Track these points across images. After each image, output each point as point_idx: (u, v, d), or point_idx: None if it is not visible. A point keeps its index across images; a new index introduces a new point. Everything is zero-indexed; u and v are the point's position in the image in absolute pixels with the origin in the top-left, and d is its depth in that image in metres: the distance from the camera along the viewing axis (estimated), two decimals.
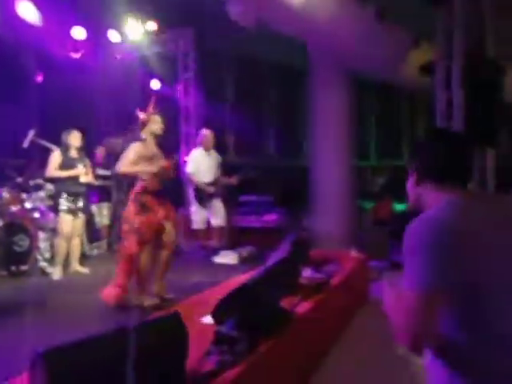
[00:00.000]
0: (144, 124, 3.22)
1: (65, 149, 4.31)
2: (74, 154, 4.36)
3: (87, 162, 4.52)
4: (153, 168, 3.16)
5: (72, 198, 4.24)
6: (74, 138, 4.34)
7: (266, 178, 7.60)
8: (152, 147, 3.25)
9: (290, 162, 8.39)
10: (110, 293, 3.11)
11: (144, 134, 3.22)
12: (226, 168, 5.28)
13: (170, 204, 3.31)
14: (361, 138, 8.93)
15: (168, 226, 3.21)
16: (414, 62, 6.17)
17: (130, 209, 3.15)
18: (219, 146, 5.51)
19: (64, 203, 4.21)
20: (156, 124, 3.24)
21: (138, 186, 3.16)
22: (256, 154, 8.47)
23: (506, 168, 5.65)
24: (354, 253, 4.52)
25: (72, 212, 4.25)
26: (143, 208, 3.10)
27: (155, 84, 6.38)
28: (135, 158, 3.14)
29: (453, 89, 5.02)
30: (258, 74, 8.29)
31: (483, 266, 0.98)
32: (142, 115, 3.23)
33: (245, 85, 8.04)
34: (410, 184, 1.23)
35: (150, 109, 3.25)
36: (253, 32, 5.18)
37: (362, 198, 7.55)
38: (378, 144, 10.20)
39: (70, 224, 4.24)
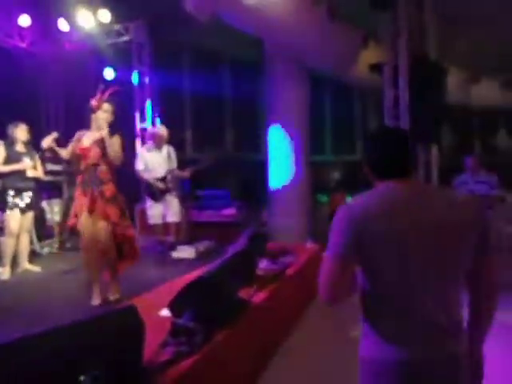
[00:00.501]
0: (93, 111, 3.14)
1: (10, 142, 4.11)
2: (20, 147, 4.17)
3: (35, 156, 4.33)
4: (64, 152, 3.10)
5: (19, 193, 4.06)
6: (21, 132, 4.15)
7: (224, 172, 7.64)
8: (95, 135, 3.13)
9: (248, 156, 8.47)
10: None
11: (93, 122, 3.15)
12: (183, 163, 5.25)
13: (97, 195, 3.11)
14: (317, 133, 9.20)
15: (83, 221, 3.10)
16: (365, 61, 6.44)
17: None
18: (176, 141, 5.47)
19: (10, 199, 4.02)
20: (105, 112, 3.16)
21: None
22: (214, 148, 8.47)
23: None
24: (309, 244, 4.70)
25: (19, 208, 4.07)
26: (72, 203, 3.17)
27: (109, 74, 6.17)
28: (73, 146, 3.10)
29: (399, 88, 5.32)
30: (215, 66, 8.26)
31: (378, 246, 1.20)
32: (93, 102, 3.15)
33: (202, 78, 8.00)
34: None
35: (100, 96, 3.16)
36: (209, 24, 5.18)
37: (318, 192, 7.79)
38: (333, 139, 10.54)
39: (17, 221, 4.06)
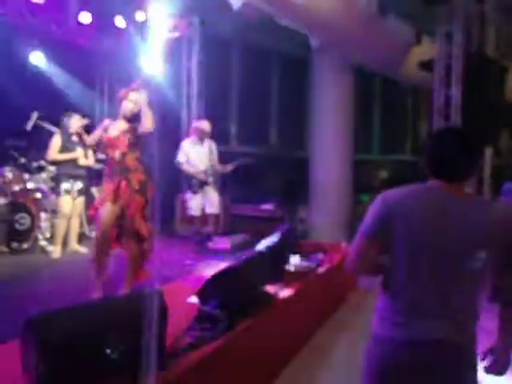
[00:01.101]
0: (120, 100, 3.12)
1: (65, 132, 4.43)
2: (74, 137, 4.48)
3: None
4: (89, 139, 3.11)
5: (71, 180, 4.38)
6: (75, 122, 4.44)
7: (266, 168, 7.69)
8: (120, 126, 3.08)
9: (291, 153, 8.46)
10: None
11: (120, 111, 3.11)
12: (227, 156, 5.38)
13: (124, 185, 3.01)
14: (364, 131, 8.98)
15: (104, 210, 3.00)
16: (416, 58, 6.20)
17: None
18: (221, 135, 5.60)
19: (64, 185, 4.36)
20: (129, 102, 3.07)
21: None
22: (258, 144, 8.54)
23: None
24: (343, 244, 4.64)
25: (71, 193, 4.39)
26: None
27: (150, 68, 6.37)
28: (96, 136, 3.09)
29: (451, 86, 5.09)
30: (262, 62, 8.31)
31: (406, 232, 1.29)
32: (121, 91, 3.13)
33: (249, 73, 8.08)
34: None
35: (131, 86, 3.13)
36: (258, 21, 5.24)
37: (363, 192, 7.61)
38: (381, 138, 10.23)
39: (69, 205, 4.39)
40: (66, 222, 4.43)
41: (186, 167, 4.88)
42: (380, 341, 1.33)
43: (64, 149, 4.38)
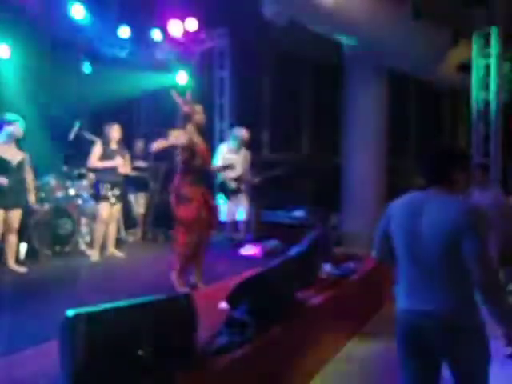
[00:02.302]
0: (189, 115, 3.31)
1: (106, 141, 4.63)
2: (113, 146, 4.67)
3: (126, 154, 4.83)
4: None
5: (110, 186, 4.57)
6: (115, 131, 4.64)
7: (298, 175, 7.67)
8: (194, 137, 3.30)
9: (324, 159, 8.39)
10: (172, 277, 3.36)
11: (189, 125, 3.30)
12: (259, 164, 5.42)
13: (206, 193, 3.36)
14: (400, 136, 8.76)
15: (202, 215, 3.27)
16: (453, 61, 6.00)
17: (172, 201, 3.33)
18: (254, 143, 5.65)
19: (103, 191, 4.55)
20: (199, 114, 3.34)
21: (176, 179, 3.32)
22: (290, 151, 8.54)
23: None
24: None
25: (110, 199, 4.58)
26: (182, 199, 3.23)
27: (183, 78, 6.54)
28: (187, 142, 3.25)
29: (490, 90, 4.88)
30: (294, 71, 8.34)
31: (394, 233, 1.72)
32: (185, 107, 3.32)
33: (281, 82, 8.13)
34: None
35: (189, 101, 3.34)
36: (290, 28, 5.26)
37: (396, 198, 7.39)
38: (417, 143, 9.94)
39: (107, 210, 4.57)
40: (104, 227, 4.62)
41: (222, 170, 4.94)
42: (398, 311, 1.75)
43: (104, 157, 4.57)
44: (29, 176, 4.12)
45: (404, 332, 1.71)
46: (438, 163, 1.70)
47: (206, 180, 3.40)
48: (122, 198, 4.91)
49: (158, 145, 3.38)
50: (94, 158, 4.53)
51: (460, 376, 1.61)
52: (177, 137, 3.24)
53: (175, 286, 3.27)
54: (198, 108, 3.36)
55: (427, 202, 1.65)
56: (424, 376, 1.68)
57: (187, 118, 3.32)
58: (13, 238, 4.00)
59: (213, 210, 3.43)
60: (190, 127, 3.29)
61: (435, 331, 1.59)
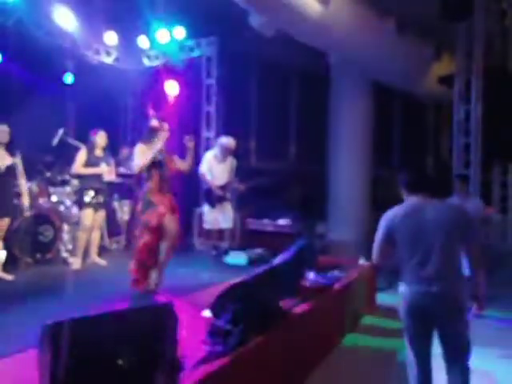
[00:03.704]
0: (156, 131, 3.52)
1: (91, 147, 4.59)
2: (98, 152, 4.63)
3: (111, 161, 4.78)
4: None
5: (94, 193, 4.51)
6: (100, 138, 4.60)
7: (285, 183, 7.70)
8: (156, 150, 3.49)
9: (310, 168, 8.46)
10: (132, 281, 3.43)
11: (156, 139, 3.50)
12: (246, 172, 5.43)
13: (173, 200, 3.55)
14: (384, 146, 8.89)
15: (169, 220, 3.41)
16: (435, 74, 6.16)
17: (138, 208, 3.56)
18: (241, 151, 5.67)
19: (86, 198, 4.49)
20: (164, 132, 3.53)
21: (145, 186, 3.50)
22: (277, 159, 8.58)
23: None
24: (361, 261, 4.57)
25: (93, 206, 4.52)
26: (148, 205, 3.41)
27: (172, 88, 6.54)
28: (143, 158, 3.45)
29: (472, 102, 5.02)
30: (280, 79, 8.42)
31: (401, 233, 2.19)
32: (155, 122, 3.55)
33: (268, 91, 8.19)
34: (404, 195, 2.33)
35: (158, 118, 3.59)
36: (275, 38, 5.34)
37: (382, 207, 7.48)
38: (401, 153, 10.11)
39: (90, 217, 4.51)
40: (87, 235, 4.55)
41: (207, 178, 4.94)
42: (406, 295, 2.19)
43: (89, 163, 4.52)
44: (21, 180, 4.03)
45: (413, 311, 2.16)
46: (435, 182, 2.35)
47: (172, 189, 3.59)
48: (106, 205, 4.85)
49: (141, 167, 3.50)
50: (79, 164, 4.48)
51: (450, 341, 2.16)
52: (144, 154, 3.44)
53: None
54: (165, 126, 3.56)
55: (428, 205, 2.18)
56: (427, 345, 2.20)
57: (153, 132, 3.52)
58: None
59: (176, 216, 3.53)
60: (157, 142, 3.48)
61: (438, 308, 2.11)
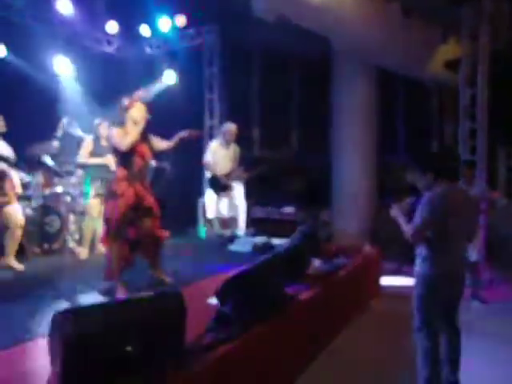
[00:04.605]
0: (125, 109, 3.17)
1: (95, 138, 4.59)
2: (104, 143, 4.63)
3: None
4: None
5: (100, 184, 4.52)
6: (103, 129, 4.61)
7: (289, 171, 7.69)
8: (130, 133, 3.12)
9: (314, 156, 8.43)
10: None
11: (125, 120, 3.17)
12: (250, 161, 5.42)
13: (142, 191, 3.17)
14: (388, 132, 8.82)
15: (134, 214, 3.08)
16: (441, 58, 6.06)
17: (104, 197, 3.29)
18: (244, 140, 5.66)
19: (92, 188, 4.51)
20: (137, 111, 3.16)
21: (113, 176, 3.23)
22: (280, 148, 8.55)
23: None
24: (366, 248, 4.59)
25: (99, 197, 4.55)
26: (112, 195, 3.08)
27: (170, 76, 6.45)
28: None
29: (478, 87, 4.94)
30: (282, 66, 8.33)
31: (448, 217, 2.31)
32: (126, 101, 3.19)
33: (270, 79, 8.12)
34: (423, 179, 2.43)
35: (136, 96, 3.23)
36: (279, 25, 5.26)
37: (391, 195, 7.45)
38: (406, 139, 10.02)
39: (96, 208, 4.54)
40: (94, 225, 4.59)
41: (212, 168, 4.94)
42: (429, 275, 2.37)
43: (95, 153, 4.53)
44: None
45: (439, 289, 2.37)
46: (452, 165, 2.46)
47: (145, 177, 3.25)
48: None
49: (131, 142, 3.11)
50: (85, 154, 4.48)
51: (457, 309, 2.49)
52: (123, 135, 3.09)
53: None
54: (139, 105, 3.17)
55: (458, 191, 2.42)
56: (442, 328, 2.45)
57: (123, 111, 3.17)
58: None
59: (149, 209, 3.19)
60: (127, 122, 3.15)
61: (459, 287, 2.46)
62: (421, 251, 2.41)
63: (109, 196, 3.14)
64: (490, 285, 4.54)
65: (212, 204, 4.98)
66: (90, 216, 4.54)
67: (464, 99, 5.08)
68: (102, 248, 4.72)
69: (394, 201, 2.57)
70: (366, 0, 5.24)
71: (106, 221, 3.09)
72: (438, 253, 2.34)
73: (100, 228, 4.67)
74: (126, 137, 3.10)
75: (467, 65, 5.06)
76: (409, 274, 4.89)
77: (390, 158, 8.74)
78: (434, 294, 2.37)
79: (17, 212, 3.89)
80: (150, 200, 3.23)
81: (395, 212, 2.47)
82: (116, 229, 3.03)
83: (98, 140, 4.59)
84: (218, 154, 4.96)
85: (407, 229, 2.35)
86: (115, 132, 3.16)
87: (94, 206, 4.54)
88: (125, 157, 3.13)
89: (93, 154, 4.54)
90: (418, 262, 2.43)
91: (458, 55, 5.43)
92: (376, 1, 5.35)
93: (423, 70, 6.47)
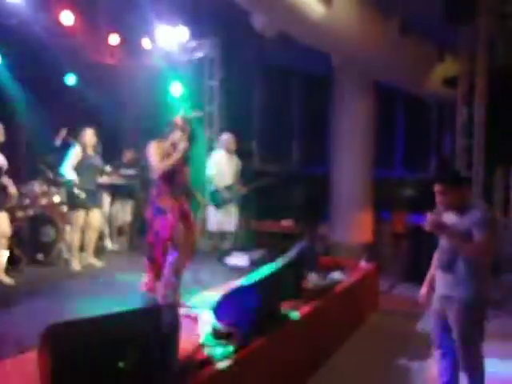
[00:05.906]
0: (177, 126, 3.23)
1: (83, 147, 4.47)
2: (90, 151, 4.53)
3: (100, 162, 4.66)
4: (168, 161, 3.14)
5: (87, 193, 4.41)
6: (88, 136, 4.50)
7: (288, 184, 7.69)
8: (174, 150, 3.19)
9: (313, 170, 8.45)
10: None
11: (176, 136, 3.21)
12: (250, 174, 5.40)
13: (185, 205, 3.27)
14: (387, 148, 8.86)
15: (181, 231, 3.14)
16: (439, 76, 6.13)
17: (148, 213, 3.26)
18: (244, 152, 5.65)
19: (78, 199, 4.39)
20: (186, 130, 3.23)
21: (154, 190, 3.23)
22: (280, 161, 8.57)
23: None
24: (363, 263, 4.56)
25: (85, 207, 4.45)
26: (158, 211, 3.14)
27: (177, 89, 6.53)
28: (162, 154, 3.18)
29: (475, 105, 4.98)
30: (283, 82, 8.41)
31: None
32: (178, 120, 3.25)
33: (270, 93, 8.18)
34: (455, 194, 2.33)
35: (183, 115, 3.30)
36: (279, 41, 5.32)
37: (386, 210, 7.46)
38: (404, 154, 10.07)
39: (82, 219, 4.44)
40: (80, 235, 4.50)
41: (215, 181, 4.90)
42: (479, 292, 2.33)
43: (83, 163, 4.44)
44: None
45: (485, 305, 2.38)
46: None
47: (186, 194, 3.34)
48: (100, 206, 4.82)
49: (165, 168, 3.18)
50: (71, 164, 4.40)
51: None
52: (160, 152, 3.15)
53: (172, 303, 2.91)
54: (186, 128, 3.25)
55: None
56: (450, 342, 2.40)
57: (174, 127, 3.22)
58: None
59: (190, 222, 3.30)
60: (178, 135, 3.19)
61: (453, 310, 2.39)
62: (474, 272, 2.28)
63: (156, 212, 3.16)
64: None
65: (211, 217, 4.95)
66: (75, 227, 4.47)
67: (461, 116, 5.13)
68: (91, 259, 4.66)
69: (428, 212, 2.26)
70: (364, 17, 5.31)
71: (159, 236, 3.13)
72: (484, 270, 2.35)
73: (89, 238, 4.59)
74: (165, 161, 3.13)
75: (464, 83, 5.12)
76: (407, 289, 4.87)
77: (389, 172, 8.78)
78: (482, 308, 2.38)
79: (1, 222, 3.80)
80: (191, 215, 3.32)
81: (436, 223, 2.20)
82: (172, 241, 3.09)
83: (85, 148, 4.49)
84: (222, 164, 4.95)
85: (473, 244, 2.20)
86: (153, 151, 3.16)
87: (79, 215, 4.46)
88: (168, 173, 3.16)
89: (81, 162, 4.45)
90: (467, 284, 2.27)
91: (456, 73, 5.50)
92: (374, 18, 5.43)
93: (421, 87, 6.54)
